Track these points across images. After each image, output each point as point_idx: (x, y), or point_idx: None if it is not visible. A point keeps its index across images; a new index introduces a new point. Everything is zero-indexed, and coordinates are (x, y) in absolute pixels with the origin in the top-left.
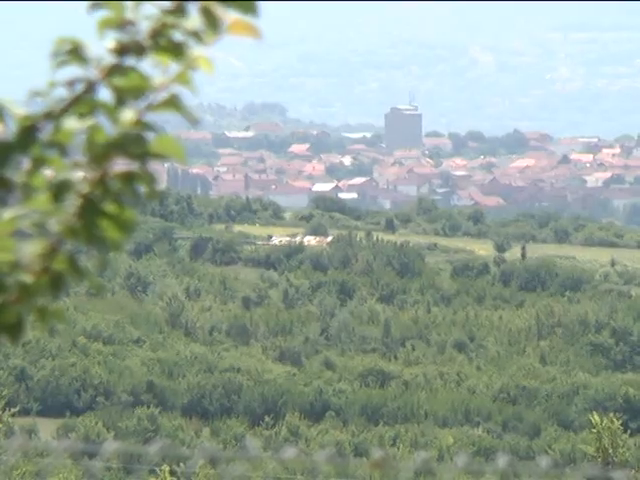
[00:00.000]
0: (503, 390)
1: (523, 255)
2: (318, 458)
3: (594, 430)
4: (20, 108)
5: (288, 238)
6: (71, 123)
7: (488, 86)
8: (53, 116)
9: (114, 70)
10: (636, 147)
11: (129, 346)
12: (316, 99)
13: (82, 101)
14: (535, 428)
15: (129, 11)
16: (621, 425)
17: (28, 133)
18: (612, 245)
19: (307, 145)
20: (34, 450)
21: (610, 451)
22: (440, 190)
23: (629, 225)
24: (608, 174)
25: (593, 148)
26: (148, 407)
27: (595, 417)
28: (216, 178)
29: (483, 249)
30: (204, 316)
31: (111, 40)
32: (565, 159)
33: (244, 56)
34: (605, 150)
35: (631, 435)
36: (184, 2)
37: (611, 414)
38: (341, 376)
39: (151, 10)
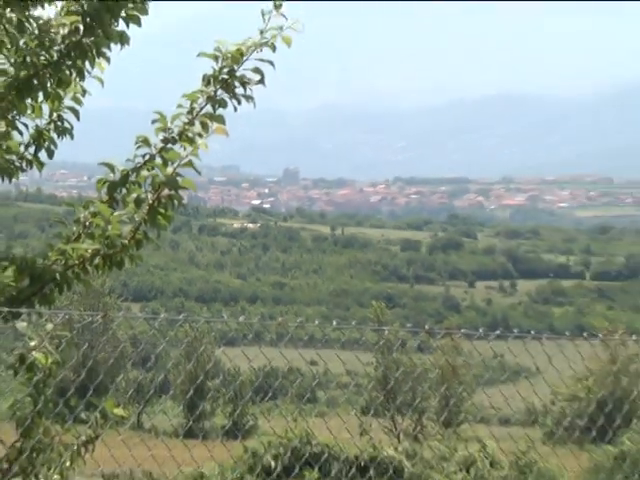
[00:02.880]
0: (334, 290)
1: (342, 232)
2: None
3: (373, 307)
4: (121, 166)
5: (240, 224)
6: (144, 173)
7: (334, 163)
8: (136, 169)
9: (162, 149)
10: (392, 184)
11: (176, 268)
12: (253, 162)
13: (148, 163)
14: (349, 308)
15: (169, 123)
16: (385, 306)
17: (125, 177)
18: (381, 227)
19: (248, 184)
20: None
21: (380, 317)
22: (307, 203)
23: (389, 220)
24: (380, 197)
25: (374, 185)
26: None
27: (373, 302)
28: (209, 198)
29: (325, 229)
30: (202, 255)
31: (160, 135)
32: (361, 190)
33: (220, 142)
34: (379, 186)
35: (390, 309)
36: (193, 120)
37: (381, 301)
38: (257, 287)
39: (178, 122)
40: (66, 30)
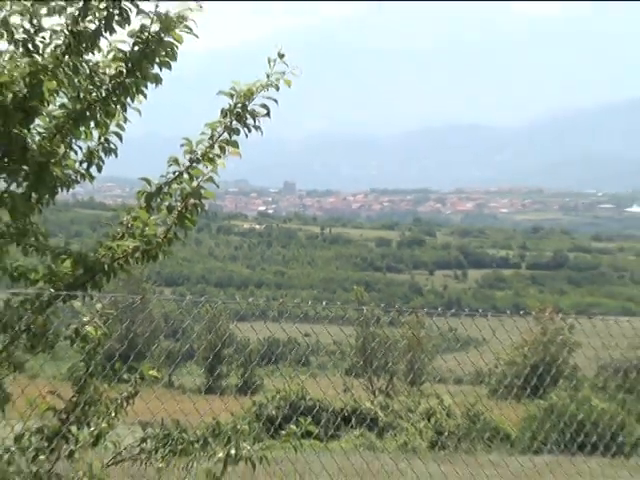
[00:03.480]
0: (323, 278)
1: (330, 232)
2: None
3: (354, 291)
4: (156, 180)
5: (249, 226)
6: (174, 186)
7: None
8: (168, 183)
9: (189, 167)
10: (369, 194)
11: (199, 260)
12: (260, 178)
13: (178, 178)
14: (335, 292)
15: (194, 147)
16: (364, 290)
17: (159, 189)
18: (360, 228)
19: (255, 194)
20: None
21: (360, 299)
22: (302, 209)
23: (367, 222)
24: (359, 204)
25: (355, 195)
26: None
27: (355, 287)
28: (225, 205)
29: (316, 229)
30: (219, 250)
31: (187, 156)
32: (345, 199)
33: (234, 162)
34: (359, 196)
35: (367, 292)
36: (214, 145)
37: (360, 286)
38: (263, 275)
39: (202, 146)
40: (112, 72)
